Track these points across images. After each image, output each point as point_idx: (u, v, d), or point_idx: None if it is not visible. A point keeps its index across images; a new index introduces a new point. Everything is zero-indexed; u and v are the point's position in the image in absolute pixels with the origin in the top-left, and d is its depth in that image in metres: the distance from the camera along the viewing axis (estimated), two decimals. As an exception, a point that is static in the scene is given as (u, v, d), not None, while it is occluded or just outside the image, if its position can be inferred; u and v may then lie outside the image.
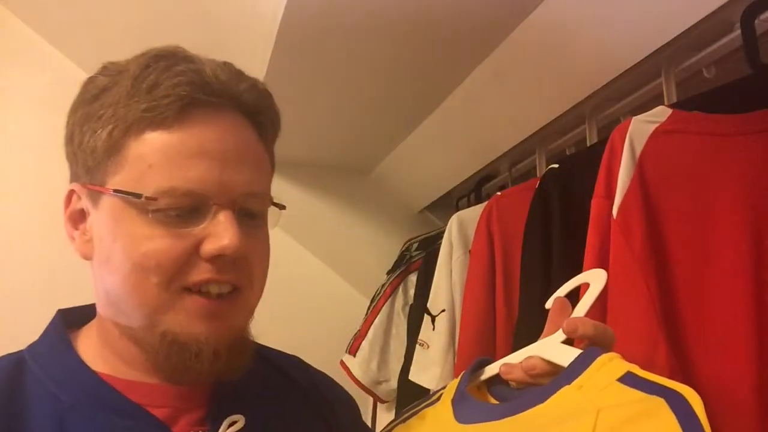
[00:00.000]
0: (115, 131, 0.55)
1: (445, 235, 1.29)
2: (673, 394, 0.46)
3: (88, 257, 0.58)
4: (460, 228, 1.28)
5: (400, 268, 1.53)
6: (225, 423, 0.57)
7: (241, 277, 0.56)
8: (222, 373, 0.56)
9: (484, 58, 1.06)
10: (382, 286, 1.53)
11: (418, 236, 1.56)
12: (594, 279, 0.60)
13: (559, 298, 0.62)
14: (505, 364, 0.61)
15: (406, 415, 0.69)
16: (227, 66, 0.59)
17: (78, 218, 0.58)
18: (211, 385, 0.59)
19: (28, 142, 1.45)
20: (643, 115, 0.82)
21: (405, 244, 1.56)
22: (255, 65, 1.12)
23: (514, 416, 0.55)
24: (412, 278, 1.51)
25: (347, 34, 1.00)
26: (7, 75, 1.53)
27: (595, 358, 0.52)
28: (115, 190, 0.54)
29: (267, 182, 0.61)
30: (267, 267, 0.61)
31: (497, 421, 0.56)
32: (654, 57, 0.89)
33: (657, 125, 0.80)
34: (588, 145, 1.05)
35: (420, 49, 1.04)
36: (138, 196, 0.53)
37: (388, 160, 1.57)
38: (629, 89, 0.99)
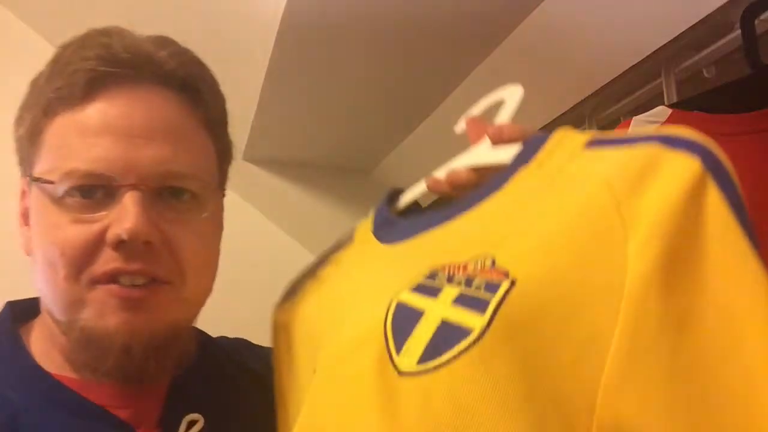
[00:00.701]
0: (35, 117, 0.52)
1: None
2: (666, 137, 0.38)
3: (29, 253, 0.54)
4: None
5: (400, 268, 1.52)
6: (183, 423, 0.53)
7: (159, 267, 0.50)
8: (139, 373, 0.50)
9: (484, 58, 1.05)
10: (382, 286, 1.53)
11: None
12: (509, 95, 0.55)
13: (470, 117, 0.56)
14: (431, 177, 0.55)
15: (312, 266, 0.60)
16: (152, 38, 0.54)
17: (26, 214, 0.55)
18: (168, 383, 0.55)
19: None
20: (643, 115, 0.82)
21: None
22: (255, 65, 1.12)
23: (465, 213, 0.46)
24: (412, 278, 1.50)
25: (347, 34, 1.00)
26: (7, 75, 1.53)
27: (546, 138, 0.45)
28: (33, 179, 0.51)
29: (198, 162, 0.54)
30: (207, 258, 0.55)
31: (444, 224, 0.47)
32: (654, 57, 0.89)
33: (657, 125, 0.80)
34: (588, 145, 1.05)
35: (420, 48, 1.04)
36: (46, 182, 0.50)
37: (388, 160, 1.57)
38: (629, 89, 0.99)
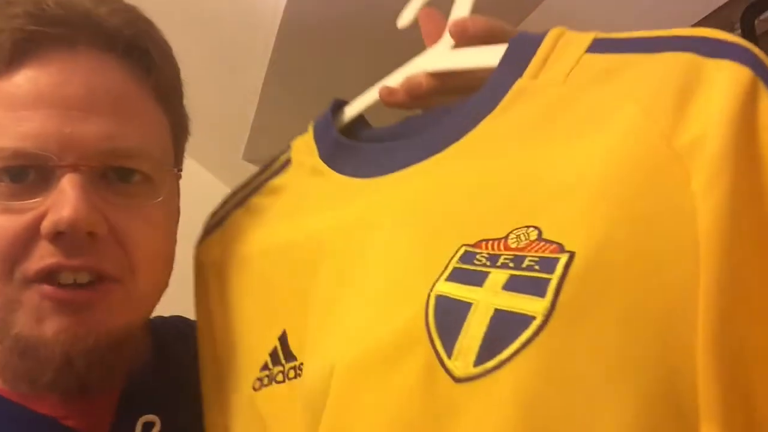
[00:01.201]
0: None
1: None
2: (701, 41, 0.32)
3: None
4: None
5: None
6: (138, 426, 0.48)
7: (106, 262, 0.43)
8: (81, 386, 0.45)
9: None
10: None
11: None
12: None
13: (426, 9, 0.48)
14: (385, 87, 0.47)
15: (239, 195, 0.51)
16: None
17: None
18: (120, 383, 0.50)
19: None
20: (643, 115, 0.82)
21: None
22: (255, 65, 1.12)
23: (461, 141, 0.38)
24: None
25: (347, 34, 1.00)
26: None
27: (540, 38, 0.38)
28: None
29: (149, 137, 0.47)
30: (162, 250, 0.48)
31: (437, 156, 0.39)
32: (654, 57, 0.89)
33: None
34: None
35: (420, 49, 1.04)
36: None
37: (388, 160, 1.57)
38: (629, 89, 0.99)
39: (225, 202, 0.53)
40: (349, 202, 0.42)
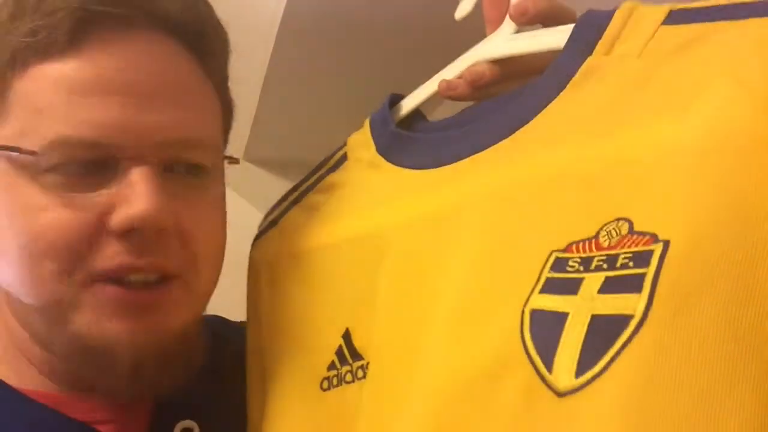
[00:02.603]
0: None
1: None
2: None
3: None
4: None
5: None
6: (177, 429, 0.47)
7: (173, 259, 0.42)
8: (149, 390, 0.43)
9: (485, 58, 1.05)
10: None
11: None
12: None
13: None
14: (443, 80, 0.44)
15: (295, 194, 0.47)
16: None
17: None
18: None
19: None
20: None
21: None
22: (255, 65, 1.12)
23: (527, 125, 0.36)
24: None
25: (348, 34, 1.00)
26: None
27: (608, 16, 0.35)
28: None
29: (211, 126, 0.45)
30: (221, 245, 0.46)
31: (508, 140, 0.36)
32: (655, 57, 0.89)
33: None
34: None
35: (421, 48, 1.04)
36: (30, 152, 0.39)
37: (388, 159, 1.57)
38: (630, 89, 0.99)
39: (281, 202, 0.51)
40: (412, 194, 0.41)
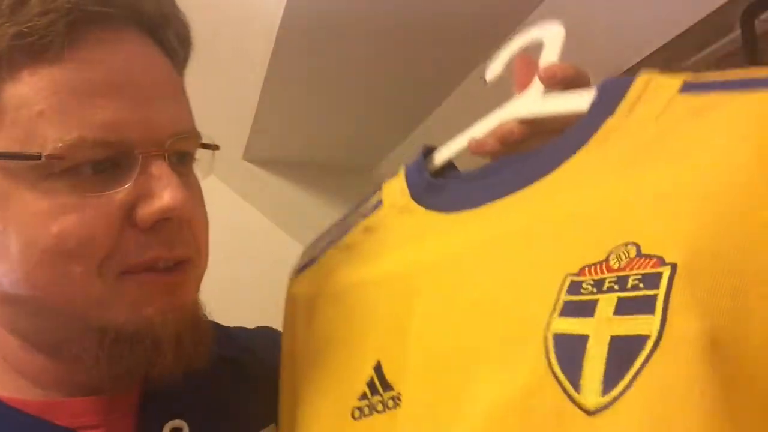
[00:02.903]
0: None
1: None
2: None
3: None
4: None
5: (400, 267, 1.52)
6: (166, 429, 0.46)
7: (188, 246, 0.43)
8: (187, 364, 0.43)
9: (485, 58, 1.05)
10: (382, 285, 1.53)
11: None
12: (549, 34, 0.49)
13: (521, 56, 0.49)
14: (473, 139, 0.48)
15: (333, 234, 0.54)
16: None
17: None
18: (139, 388, 0.47)
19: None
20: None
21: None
22: (255, 65, 1.12)
23: (553, 173, 0.39)
24: (412, 278, 1.50)
25: (347, 34, 1.00)
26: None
27: (629, 82, 0.38)
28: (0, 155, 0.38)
29: (191, 117, 0.46)
30: (208, 227, 0.47)
31: (528, 188, 0.39)
32: (654, 57, 0.89)
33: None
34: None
35: (420, 48, 1.04)
36: (35, 157, 0.38)
37: (388, 159, 1.57)
38: (629, 89, 0.99)
39: (318, 241, 0.55)
40: (442, 235, 0.43)
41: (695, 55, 0.86)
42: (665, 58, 0.89)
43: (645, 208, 0.33)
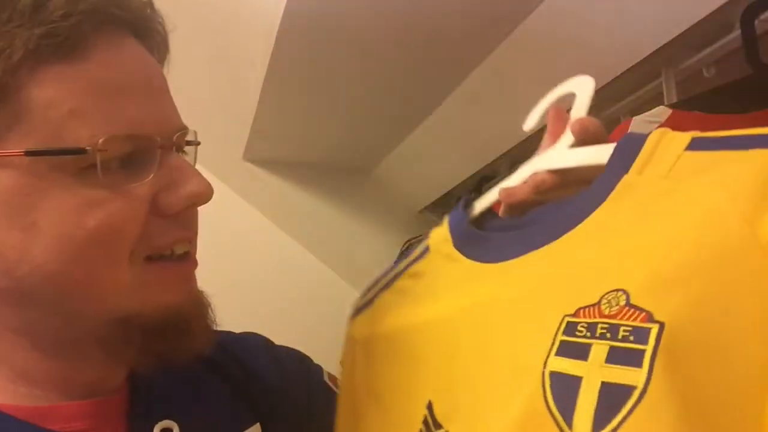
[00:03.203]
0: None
1: (445, 235, 1.29)
2: None
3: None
4: (460, 228, 1.27)
5: (400, 268, 1.52)
6: (156, 430, 0.47)
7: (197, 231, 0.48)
8: (204, 347, 0.47)
9: (484, 58, 1.05)
10: (382, 286, 1.53)
11: (418, 236, 1.56)
12: (579, 87, 0.52)
13: (553, 107, 0.53)
14: (504, 189, 0.52)
15: (386, 279, 0.58)
16: None
17: None
18: (127, 390, 0.49)
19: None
20: (643, 115, 0.82)
21: (405, 244, 1.57)
22: (255, 65, 1.12)
23: (573, 230, 0.43)
24: (413, 278, 1.51)
25: (347, 34, 1.00)
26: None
27: (644, 138, 0.42)
28: (29, 152, 0.39)
29: None
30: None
31: (552, 244, 0.44)
32: (654, 57, 0.89)
33: (657, 125, 0.80)
34: (588, 145, 1.05)
35: (420, 49, 1.04)
36: (79, 151, 0.39)
37: (388, 160, 1.57)
38: (629, 89, 0.99)
39: (373, 285, 0.59)
40: (480, 284, 0.48)
41: (695, 55, 0.87)
42: (665, 58, 0.89)
43: (636, 259, 0.37)
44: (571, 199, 0.45)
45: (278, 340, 0.68)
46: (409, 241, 1.56)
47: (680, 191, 0.38)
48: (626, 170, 0.42)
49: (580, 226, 0.43)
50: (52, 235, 0.40)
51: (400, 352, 0.51)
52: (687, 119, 0.78)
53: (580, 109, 0.51)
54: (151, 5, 0.48)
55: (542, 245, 0.44)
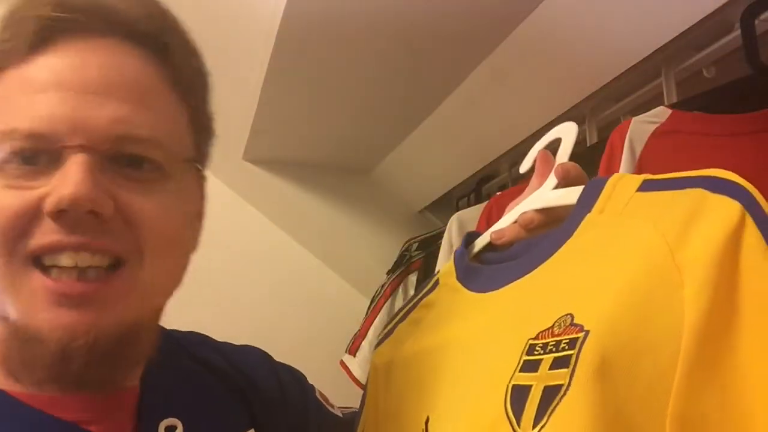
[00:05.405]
0: None
1: (445, 235, 1.29)
2: (710, 180, 0.42)
3: None
4: (460, 228, 1.28)
5: (400, 268, 1.53)
6: (161, 428, 0.48)
7: (111, 241, 0.43)
8: (77, 383, 0.44)
9: (484, 58, 1.05)
10: (382, 286, 1.53)
11: (418, 236, 1.56)
12: (565, 133, 0.58)
13: (541, 151, 0.60)
14: (494, 231, 0.60)
15: (404, 311, 0.65)
16: None
17: None
18: (137, 387, 0.49)
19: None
20: (643, 115, 0.82)
21: (405, 244, 1.57)
22: (255, 65, 1.12)
23: (544, 263, 0.50)
24: (412, 278, 1.50)
25: (347, 34, 1.00)
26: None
27: (605, 182, 0.49)
28: None
29: (163, 126, 0.46)
30: (172, 235, 0.46)
31: (528, 275, 0.51)
32: (654, 57, 0.89)
33: (657, 125, 0.80)
34: (588, 145, 1.05)
35: (420, 49, 1.04)
36: None
37: (388, 160, 1.57)
38: (629, 89, 0.99)
39: (393, 318, 0.66)
40: (474, 312, 0.55)
41: (695, 55, 0.87)
42: (665, 58, 0.89)
43: (583, 289, 0.44)
44: (546, 234, 0.53)
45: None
46: (409, 241, 1.56)
47: (624, 225, 0.45)
48: (589, 209, 0.49)
49: (550, 259, 0.50)
50: None
51: (411, 377, 0.58)
52: (687, 119, 0.78)
53: (564, 153, 0.57)
54: (144, 7, 0.48)
55: (521, 276, 0.51)
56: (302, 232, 1.67)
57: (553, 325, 0.44)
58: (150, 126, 0.45)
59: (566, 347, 0.41)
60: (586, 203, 0.49)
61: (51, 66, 0.43)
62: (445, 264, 0.65)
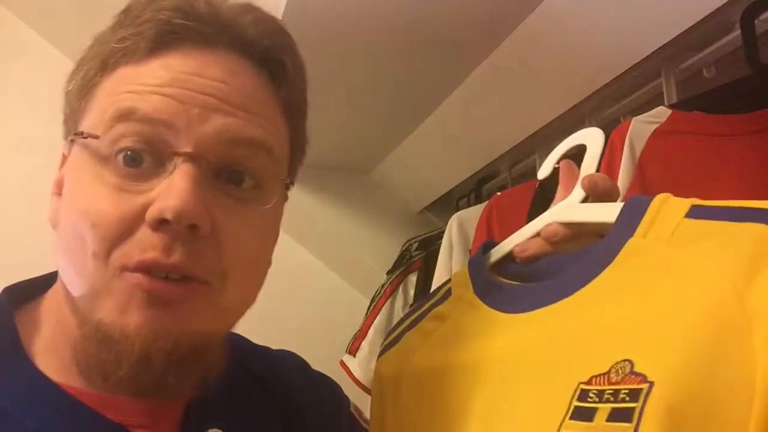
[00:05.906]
0: (90, 70, 0.45)
1: (445, 235, 1.29)
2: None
3: (55, 226, 0.46)
4: (460, 228, 1.27)
5: (400, 268, 1.53)
6: None
7: (200, 264, 0.42)
8: (155, 387, 0.43)
9: (484, 58, 1.05)
10: (382, 286, 1.53)
11: (418, 236, 1.56)
12: (591, 139, 0.54)
13: (564, 161, 0.56)
14: (518, 244, 0.55)
15: (411, 318, 0.61)
16: (235, 1, 0.47)
17: (60, 182, 0.46)
18: (187, 397, 0.48)
19: (27, 143, 1.44)
20: (643, 115, 0.82)
21: (405, 244, 1.57)
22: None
23: (583, 289, 0.46)
24: (412, 278, 1.51)
25: (347, 35, 1.00)
26: (6, 74, 1.53)
27: (648, 202, 0.45)
28: (75, 133, 0.44)
29: (274, 137, 0.47)
30: (258, 261, 0.47)
31: (564, 301, 0.47)
32: (654, 57, 0.89)
33: (657, 126, 0.80)
34: (588, 145, 1.05)
35: (420, 49, 1.04)
36: (89, 136, 0.42)
37: (388, 160, 1.57)
38: (629, 89, 0.99)
39: (399, 324, 0.62)
40: (502, 334, 0.51)
41: (695, 55, 0.87)
42: (665, 58, 0.89)
43: (642, 331, 0.41)
44: (581, 254, 0.48)
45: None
46: (409, 241, 1.56)
47: (679, 259, 0.42)
48: (632, 233, 0.45)
49: (590, 284, 0.46)
50: (65, 211, 0.44)
51: (427, 393, 0.54)
52: (687, 119, 0.78)
53: (591, 163, 0.53)
54: (262, 24, 0.48)
55: (556, 300, 0.48)
56: (302, 232, 1.67)
57: (610, 370, 0.40)
58: (261, 132, 0.45)
59: (627, 398, 0.38)
60: (627, 225, 0.45)
61: (171, 66, 0.43)
62: (456, 272, 0.60)
